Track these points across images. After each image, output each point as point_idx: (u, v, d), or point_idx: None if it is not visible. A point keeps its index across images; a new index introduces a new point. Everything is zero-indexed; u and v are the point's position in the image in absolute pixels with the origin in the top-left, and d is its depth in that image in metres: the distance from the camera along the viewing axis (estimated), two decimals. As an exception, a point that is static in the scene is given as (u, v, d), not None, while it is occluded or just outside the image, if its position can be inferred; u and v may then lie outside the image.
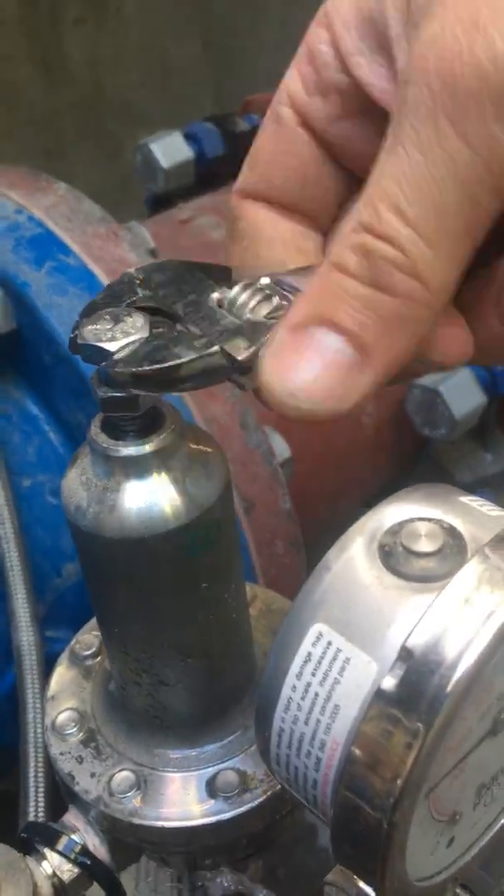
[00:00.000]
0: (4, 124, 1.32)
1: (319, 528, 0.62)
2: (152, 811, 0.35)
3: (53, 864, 0.37)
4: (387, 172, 0.24)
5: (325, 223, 0.32)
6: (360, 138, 0.30)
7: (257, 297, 0.28)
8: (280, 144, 0.30)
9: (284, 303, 0.28)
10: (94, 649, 0.40)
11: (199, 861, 0.38)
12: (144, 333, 0.28)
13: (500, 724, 0.24)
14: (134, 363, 0.27)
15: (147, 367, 0.27)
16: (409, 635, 0.21)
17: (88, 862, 0.37)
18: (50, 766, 0.41)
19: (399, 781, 0.20)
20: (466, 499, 0.24)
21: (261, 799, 0.35)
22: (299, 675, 0.22)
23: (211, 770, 0.36)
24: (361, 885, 0.31)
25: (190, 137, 0.93)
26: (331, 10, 0.28)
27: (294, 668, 0.22)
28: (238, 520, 0.58)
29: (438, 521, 0.23)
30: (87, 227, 0.59)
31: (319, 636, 0.22)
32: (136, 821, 0.35)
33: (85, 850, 0.37)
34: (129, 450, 0.30)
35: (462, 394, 0.76)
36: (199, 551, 0.31)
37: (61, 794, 0.39)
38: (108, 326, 0.28)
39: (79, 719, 0.38)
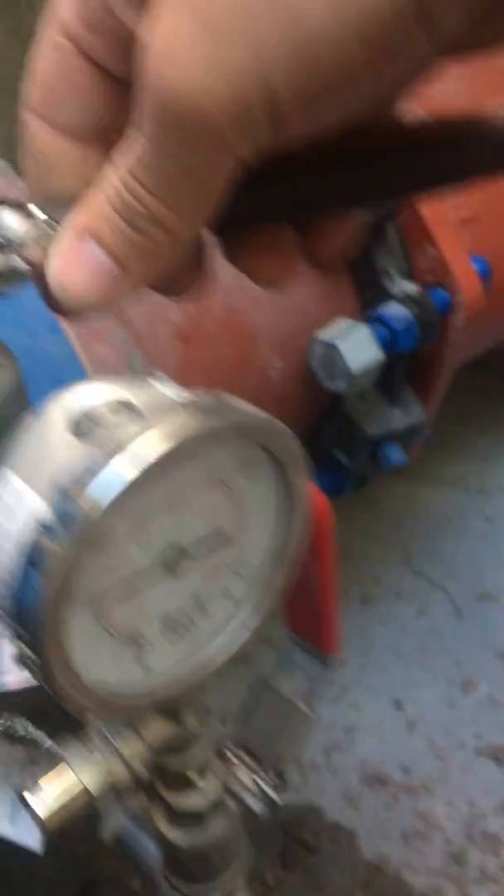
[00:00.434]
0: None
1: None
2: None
3: None
4: (124, 154, 0.28)
5: (109, 141, 0.33)
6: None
7: (22, 219, 0.34)
8: (61, 73, 0.32)
9: (45, 227, 0.33)
10: None
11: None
12: None
13: (176, 566, 0.29)
14: None
15: None
16: (66, 475, 0.26)
17: None
18: None
19: (50, 580, 0.26)
20: (153, 381, 0.30)
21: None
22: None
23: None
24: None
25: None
26: None
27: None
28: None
29: (120, 399, 0.28)
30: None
31: (9, 484, 0.27)
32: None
33: None
34: None
35: (359, 349, 0.81)
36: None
37: None
38: None
39: None
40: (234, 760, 0.42)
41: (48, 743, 0.34)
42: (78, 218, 0.31)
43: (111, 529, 0.26)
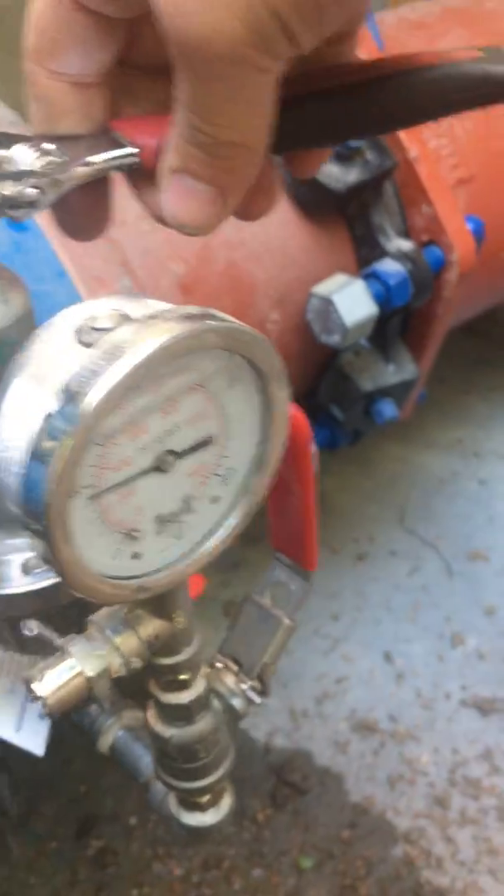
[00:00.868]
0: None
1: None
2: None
3: None
4: (177, 97, 0.31)
5: (111, 80, 0.37)
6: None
7: (35, 154, 0.36)
8: (59, 23, 0.35)
9: (56, 158, 0.36)
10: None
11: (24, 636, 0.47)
12: None
13: (166, 464, 0.32)
14: None
15: None
16: (69, 376, 0.29)
17: None
18: None
19: (54, 475, 0.29)
20: (152, 300, 0.32)
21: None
22: (6, 416, 0.31)
23: (27, 554, 0.45)
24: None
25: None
26: None
27: (3, 410, 0.31)
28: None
29: (118, 311, 0.31)
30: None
31: (18, 386, 0.30)
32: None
33: None
34: None
35: (354, 303, 0.83)
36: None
37: None
38: None
39: None
40: (221, 666, 0.46)
41: (56, 640, 0.38)
42: (167, 161, 0.34)
43: (109, 427, 0.29)
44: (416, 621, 1.22)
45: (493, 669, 1.16)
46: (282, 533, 0.45)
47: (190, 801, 0.47)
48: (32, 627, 0.40)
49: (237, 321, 0.30)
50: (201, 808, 0.47)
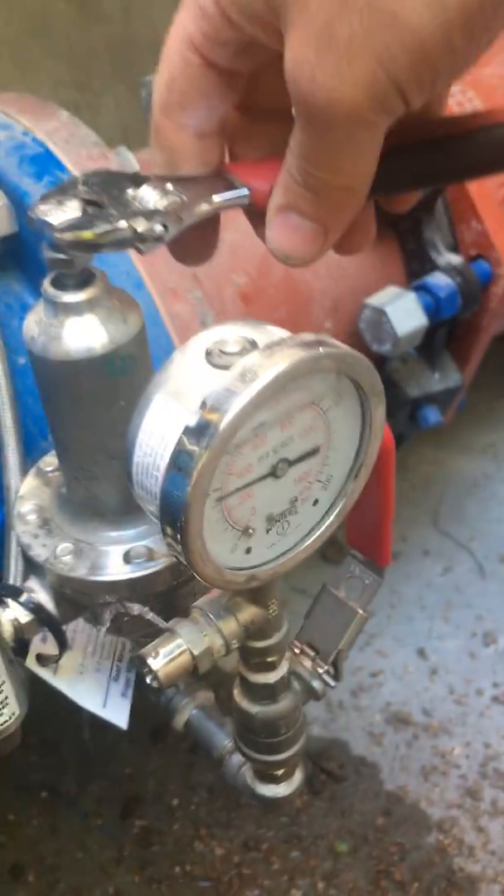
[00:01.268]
0: (38, 57, 1.43)
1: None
2: (83, 569, 0.49)
3: (15, 612, 0.51)
4: (293, 146, 0.35)
5: (227, 127, 0.41)
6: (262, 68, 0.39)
7: (160, 194, 0.41)
8: (188, 80, 0.39)
9: (178, 199, 0.41)
10: (53, 466, 0.54)
11: (121, 619, 0.52)
12: (78, 213, 0.40)
13: (280, 470, 0.37)
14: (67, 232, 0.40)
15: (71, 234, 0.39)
16: (207, 393, 0.34)
17: (39, 611, 0.51)
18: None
19: (192, 480, 0.33)
20: (270, 326, 0.37)
21: (160, 566, 0.48)
22: (148, 426, 0.35)
23: (128, 546, 0.49)
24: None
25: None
26: None
27: (145, 422, 0.35)
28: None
29: (245, 337, 0.36)
30: (81, 149, 0.71)
31: (159, 401, 0.35)
32: (73, 574, 0.49)
33: (38, 604, 0.51)
34: (68, 297, 0.42)
35: (406, 314, 0.87)
36: (116, 374, 0.44)
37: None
38: (54, 208, 0.41)
39: (38, 510, 0.52)
40: (300, 652, 0.50)
41: (162, 623, 0.42)
42: (276, 200, 0.38)
43: (239, 439, 0.34)
44: (449, 619, 1.26)
45: (524, 668, 1.20)
46: (357, 531, 0.49)
47: (267, 774, 0.52)
48: (135, 609, 0.45)
49: (347, 347, 0.35)
50: (276, 780, 0.51)
